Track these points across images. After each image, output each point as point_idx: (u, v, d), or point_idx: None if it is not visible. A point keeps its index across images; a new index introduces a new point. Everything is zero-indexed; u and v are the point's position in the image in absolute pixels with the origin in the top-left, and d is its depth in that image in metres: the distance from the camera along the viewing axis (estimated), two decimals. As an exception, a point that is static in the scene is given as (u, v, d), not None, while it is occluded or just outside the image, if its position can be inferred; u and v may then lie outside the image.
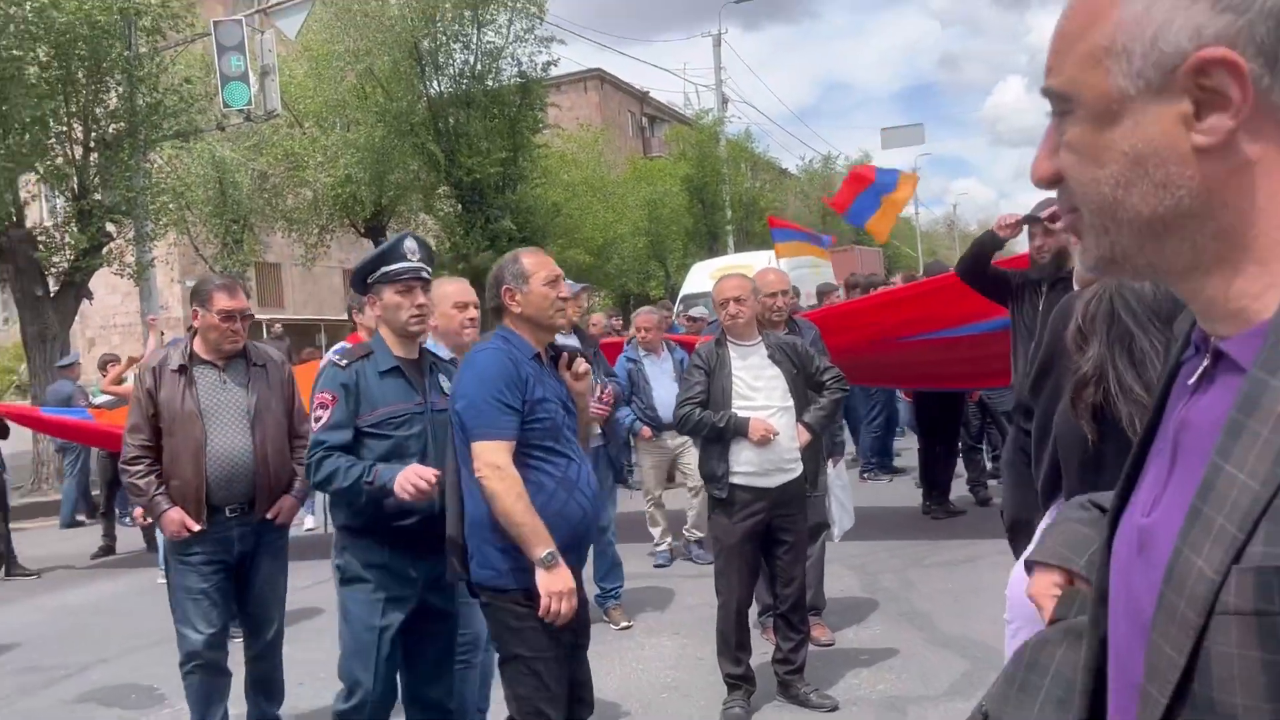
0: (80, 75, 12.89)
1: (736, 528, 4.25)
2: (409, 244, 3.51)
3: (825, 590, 5.44)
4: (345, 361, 3.44)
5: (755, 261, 18.53)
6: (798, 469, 4.34)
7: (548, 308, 3.10)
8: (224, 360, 4.10)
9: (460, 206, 20.91)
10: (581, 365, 3.25)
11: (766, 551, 4.36)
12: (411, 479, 3.18)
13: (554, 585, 2.85)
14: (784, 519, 4.31)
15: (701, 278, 17.76)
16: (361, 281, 3.53)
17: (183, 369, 4.03)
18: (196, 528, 3.89)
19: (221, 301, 4.03)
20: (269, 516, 4.06)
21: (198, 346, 4.11)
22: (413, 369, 3.48)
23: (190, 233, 19.18)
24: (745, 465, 4.24)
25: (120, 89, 13.30)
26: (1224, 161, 0.76)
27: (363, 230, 22.82)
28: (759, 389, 4.30)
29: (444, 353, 3.83)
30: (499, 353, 3.01)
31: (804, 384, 4.43)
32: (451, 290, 4.01)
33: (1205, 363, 0.83)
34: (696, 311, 13.14)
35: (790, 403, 4.33)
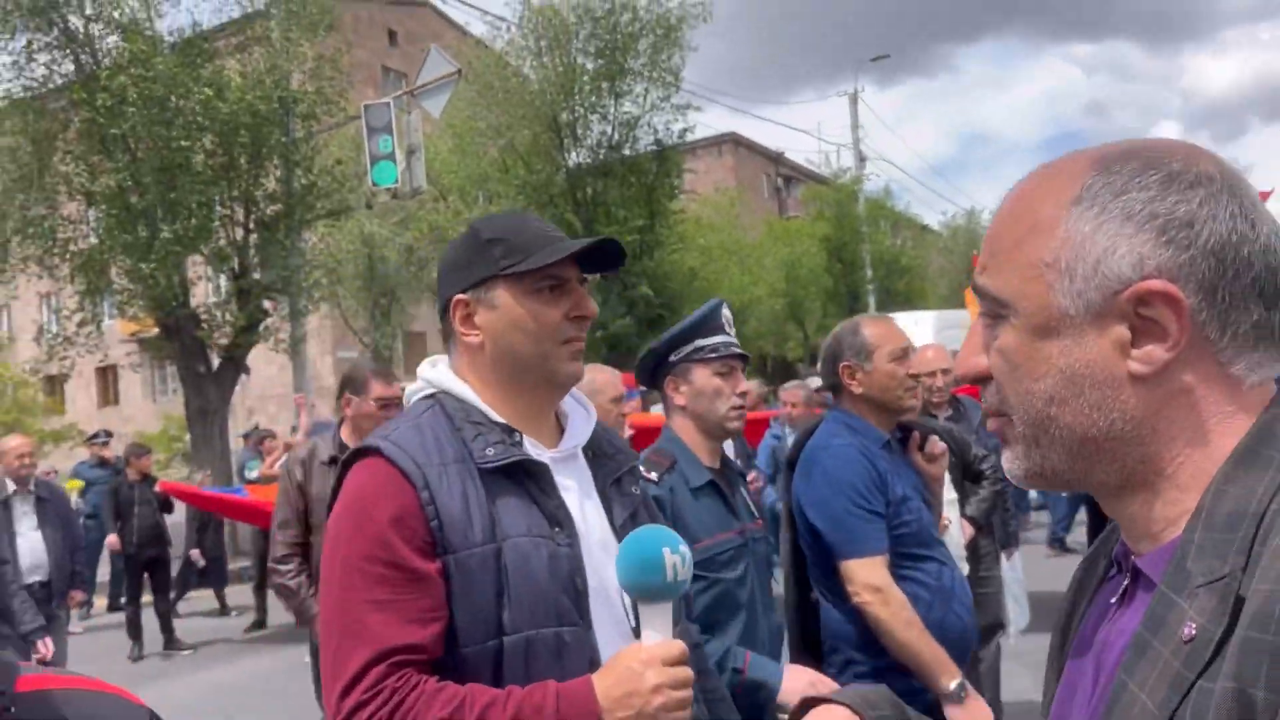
0: (242, 161, 13.58)
1: None
2: (725, 313, 2.63)
3: (1001, 693, 4.96)
4: (657, 475, 2.44)
5: (902, 323, 17.89)
6: (964, 569, 3.96)
7: (896, 387, 2.63)
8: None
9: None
10: (937, 445, 2.83)
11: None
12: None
13: None
14: None
15: (844, 341, 17.31)
16: (662, 359, 2.60)
17: (334, 460, 3.93)
18: None
19: (378, 389, 3.94)
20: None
21: (347, 436, 4.02)
22: (723, 483, 2.56)
23: (341, 306, 19.90)
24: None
25: (278, 172, 13.94)
26: (1157, 390, 0.78)
27: (504, 299, 23.22)
28: None
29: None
30: (849, 448, 2.56)
31: (961, 474, 4.07)
32: (603, 381, 3.60)
33: (1126, 580, 0.84)
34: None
35: (954, 495, 3.97)
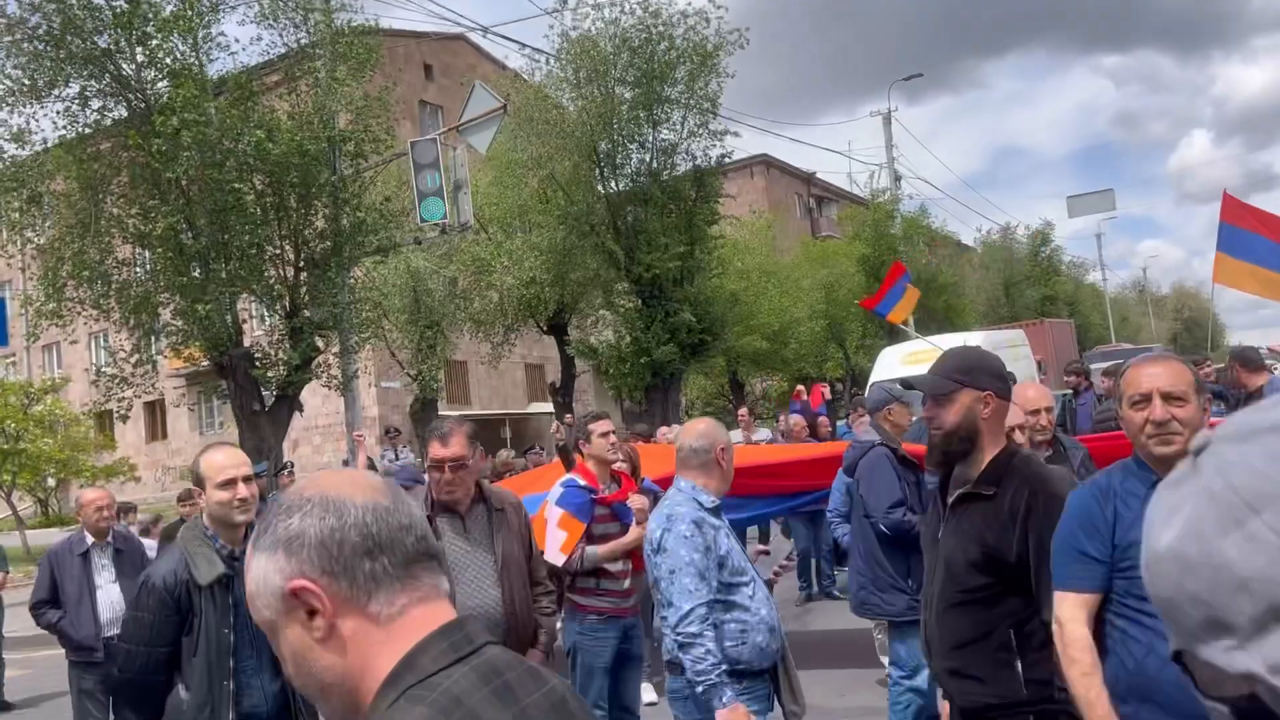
0: (292, 201, 13.73)
1: None
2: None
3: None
4: None
5: (946, 345, 17.73)
6: None
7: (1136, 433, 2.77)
8: (465, 508, 3.98)
9: (640, 301, 21.08)
10: None
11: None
12: None
13: None
14: None
15: (892, 363, 17.16)
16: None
17: (428, 519, 3.91)
18: None
19: (433, 450, 3.90)
20: (516, 676, 3.86)
21: (435, 494, 4.00)
22: None
23: (386, 339, 20.03)
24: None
25: (327, 210, 14.08)
26: (336, 644, 1.13)
27: (545, 328, 23.38)
28: None
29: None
30: (1079, 491, 2.79)
31: None
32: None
33: None
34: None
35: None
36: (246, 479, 3.38)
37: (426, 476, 4.14)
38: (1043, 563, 2.65)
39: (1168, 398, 2.53)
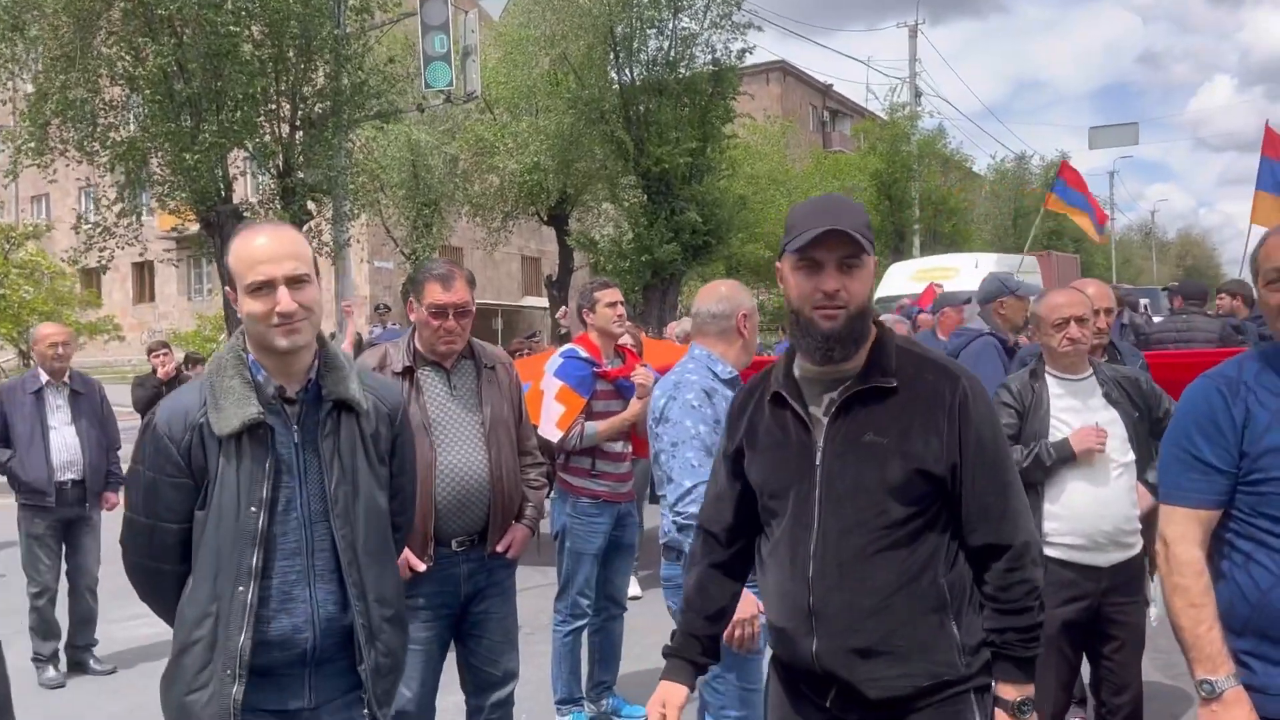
0: (291, 54, 13.01)
1: (1054, 615, 3.17)
2: None
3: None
4: None
5: (958, 264, 17.30)
6: (1138, 544, 3.46)
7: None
8: (450, 362, 3.53)
9: (646, 197, 20.43)
10: None
11: (1090, 649, 3.52)
12: None
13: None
14: (1118, 608, 3.45)
15: (901, 280, 16.67)
16: None
17: (407, 372, 3.47)
18: (421, 567, 3.31)
19: (434, 294, 3.42)
20: (500, 550, 3.49)
21: (419, 345, 3.55)
22: None
23: (382, 214, 19.41)
24: (1068, 535, 3.40)
25: (327, 68, 13.35)
26: None
27: (545, 218, 22.74)
28: None
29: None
30: (1201, 381, 2.22)
31: (1146, 431, 3.54)
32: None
33: None
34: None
35: (1131, 457, 3.44)
36: (295, 280, 2.19)
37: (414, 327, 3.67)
38: (983, 472, 2.00)
39: None
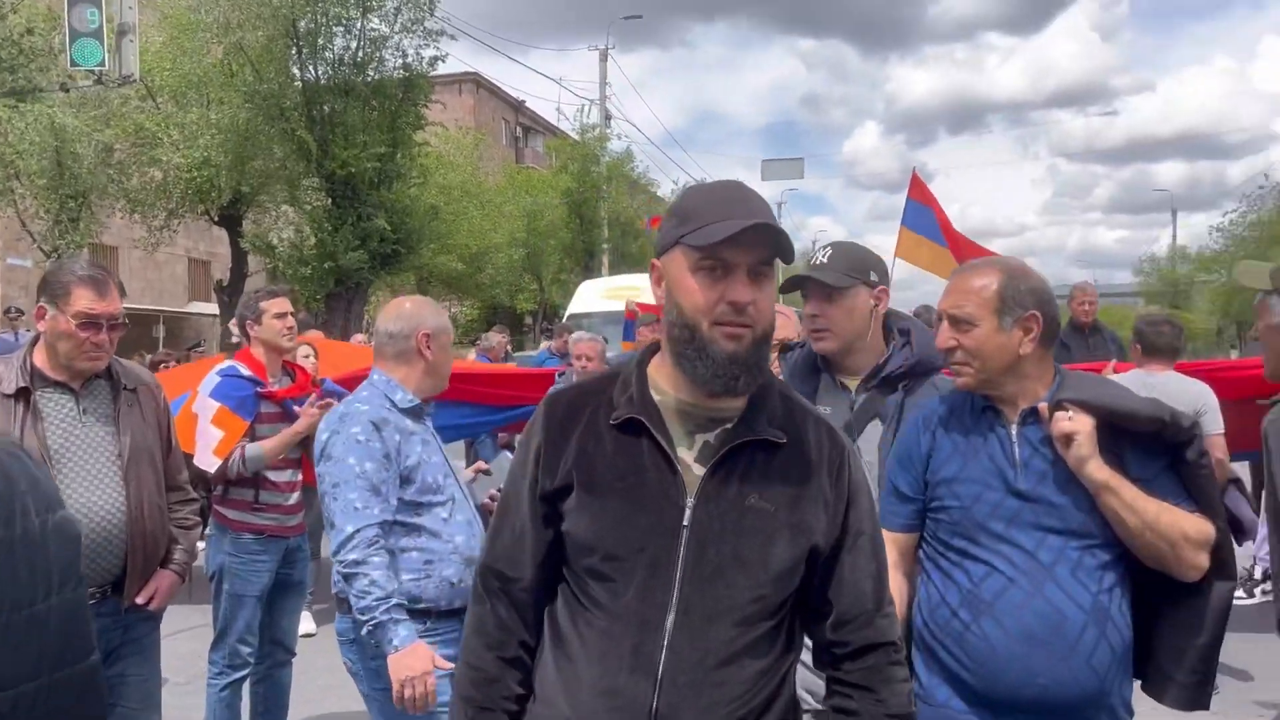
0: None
1: None
2: None
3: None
4: None
5: (646, 284, 17.69)
6: None
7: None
8: (80, 382, 2.97)
9: (330, 201, 19.39)
10: (1056, 423, 2.12)
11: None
12: None
13: None
14: None
15: (592, 297, 16.85)
16: None
17: (22, 394, 2.87)
18: None
19: (84, 300, 2.88)
20: (140, 602, 2.95)
21: (41, 361, 2.96)
22: None
23: (17, 205, 17.06)
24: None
25: (-54, 33, 11.50)
26: None
27: (216, 218, 21.02)
28: None
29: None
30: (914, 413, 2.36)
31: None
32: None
33: None
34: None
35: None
36: None
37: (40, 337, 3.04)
38: (864, 554, 1.68)
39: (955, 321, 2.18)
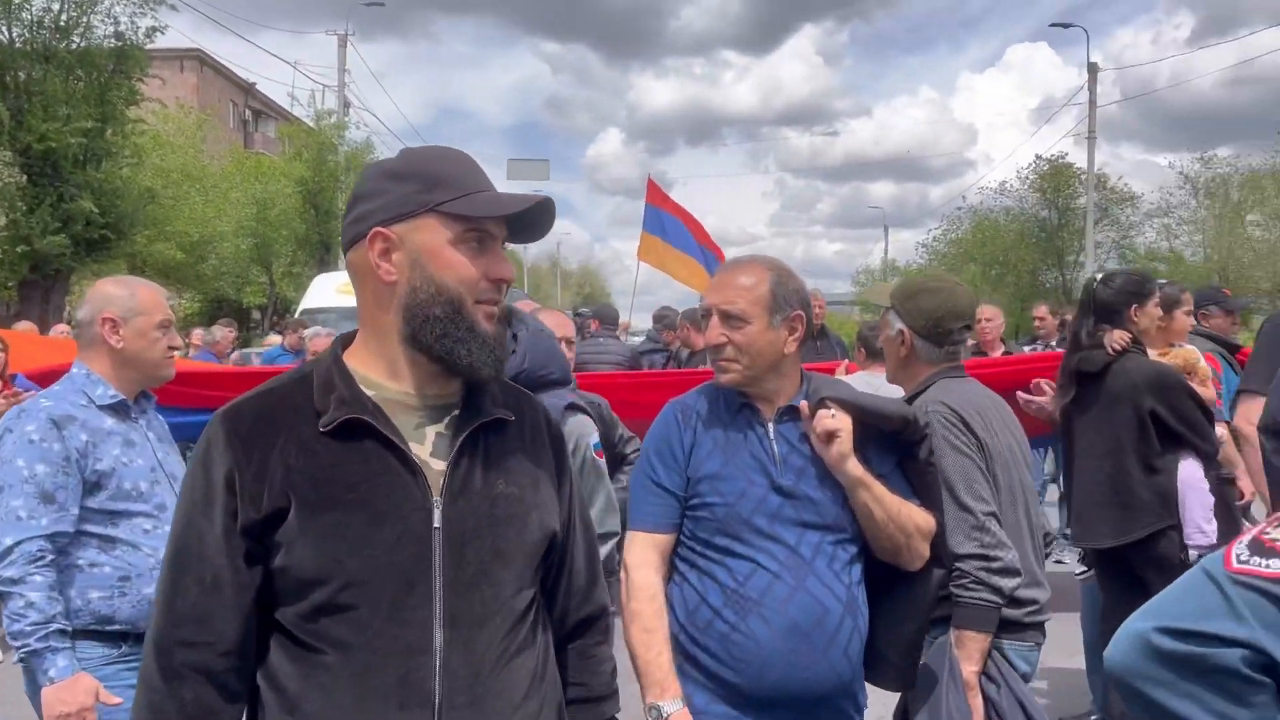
0: None
1: None
2: None
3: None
4: None
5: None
6: None
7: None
8: None
9: (25, 178, 17.38)
10: (820, 421, 2.12)
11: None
12: None
13: None
14: None
15: (328, 292, 15.99)
16: None
17: None
18: None
19: None
20: None
21: None
22: None
23: None
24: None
25: None
26: None
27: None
28: None
29: None
30: (667, 407, 2.28)
31: (610, 460, 3.53)
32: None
33: None
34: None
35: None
36: None
37: None
38: (584, 530, 1.71)
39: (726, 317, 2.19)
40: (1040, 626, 2.58)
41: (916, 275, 3.02)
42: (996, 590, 2.37)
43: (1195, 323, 5.49)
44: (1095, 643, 4.58)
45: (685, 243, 10.40)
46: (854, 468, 2.09)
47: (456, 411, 1.51)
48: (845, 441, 2.08)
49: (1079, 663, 4.95)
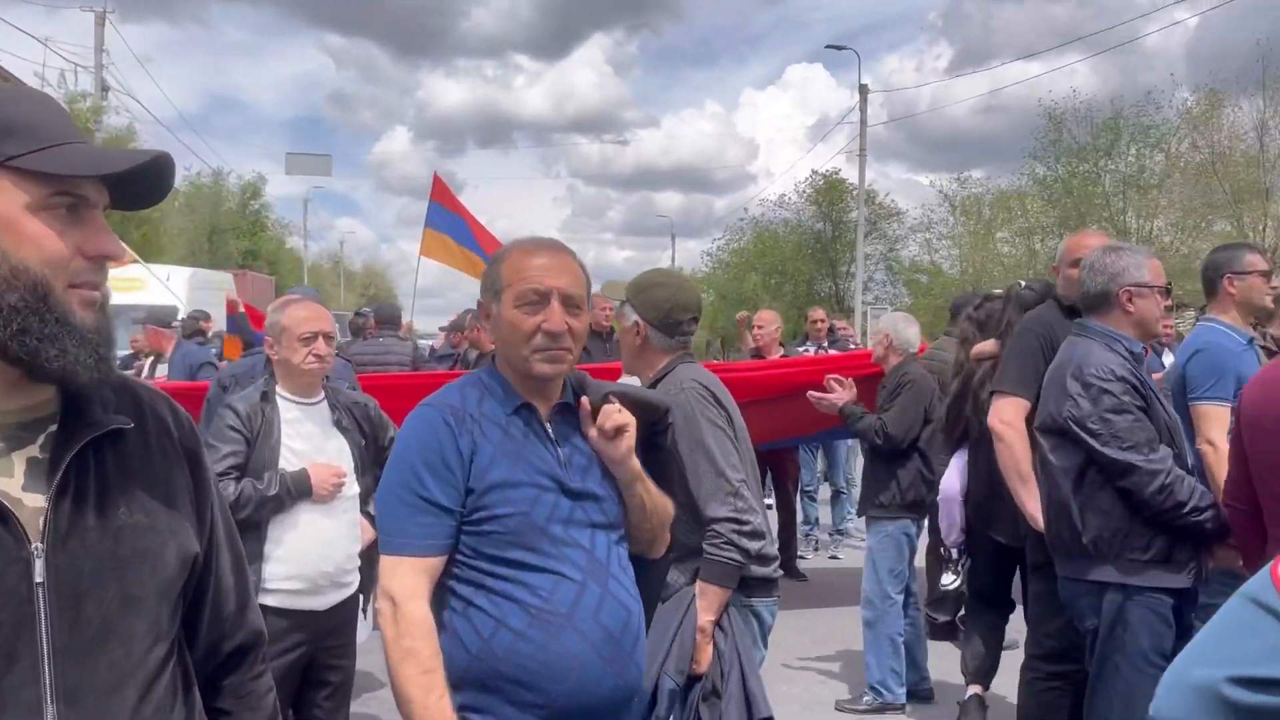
0: None
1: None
2: None
3: None
4: None
5: (145, 275, 15.84)
6: (355, 582, 3.27)
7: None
8: None
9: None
10: (609, 417, 2.01)
11: (299, 699, 3.21)
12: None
13: None
14: (331, 652, 3.21)
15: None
16: None
17: None
18: None
19: None
20: None
21: None
22: None
23: None
24: (290, 579, 3.08)
25: None
26: None
27: None
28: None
29: None
30: (426, 411, 1.99)
31: (372, 460, 3.37)
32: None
33: None
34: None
35: (356, 489, 3.24)
36: None
37: None
38: (230, 545, 1.41)
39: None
40: (777, 582, 2.84)
41: (648, 271, 3.16)
42: (744, 551, 2.61)
43: (954, 329, 5.90)
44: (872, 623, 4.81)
45: (470, 242, 10.27)
46: (635, 462, 2.05)
47: (54, 428, 1.18)
48: (632, 436, 2.03)
49: (849, 648, 5.19)
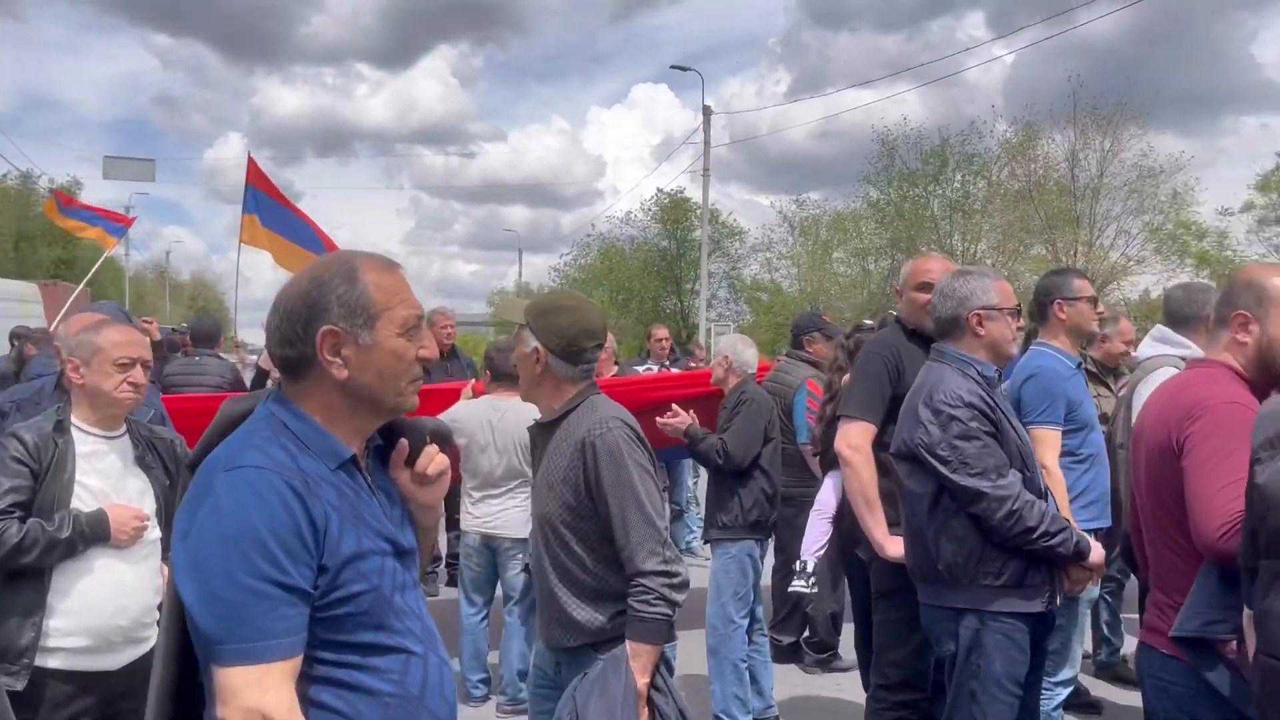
0: None
1: None
2: None
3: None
4: None
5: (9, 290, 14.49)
6: (153, 637, 2.92)
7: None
8: None
9: None
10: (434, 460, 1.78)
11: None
12: None
13: None
14: (133, 717, 2.85)
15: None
16: None
17: None
18: None
19: None
20: None
21: None
22: None
23: None
24: (76, 635, 2.72)
25: None
26: None
27: None
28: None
29: None
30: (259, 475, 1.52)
31: (177, 502, 3.03)
32: None
33: None
34: None
35: (158, 534, 2.88)
36: None
37: None
38: None
39: None
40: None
41: (549, 293, 2.93)
42: (674, 605, 2.48)
43: (796, 350, 5.94)
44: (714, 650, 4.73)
45: (296, 232, 9.71)
46: (441, 507, 1.90)
47: None
48: (448, 479, 1.83)
49: (695, 673, 5.11)
